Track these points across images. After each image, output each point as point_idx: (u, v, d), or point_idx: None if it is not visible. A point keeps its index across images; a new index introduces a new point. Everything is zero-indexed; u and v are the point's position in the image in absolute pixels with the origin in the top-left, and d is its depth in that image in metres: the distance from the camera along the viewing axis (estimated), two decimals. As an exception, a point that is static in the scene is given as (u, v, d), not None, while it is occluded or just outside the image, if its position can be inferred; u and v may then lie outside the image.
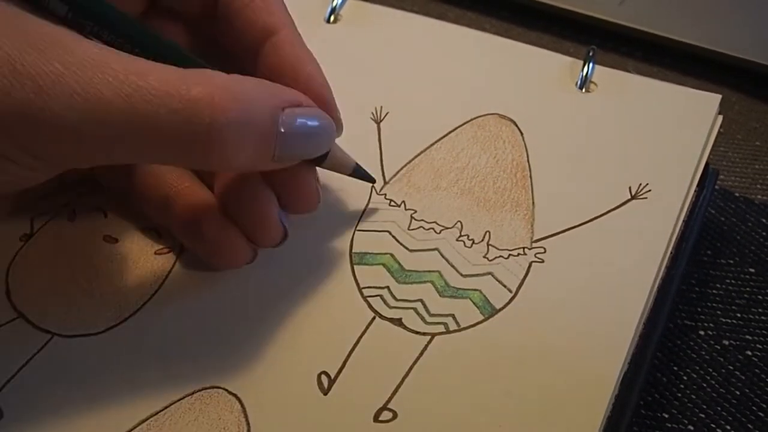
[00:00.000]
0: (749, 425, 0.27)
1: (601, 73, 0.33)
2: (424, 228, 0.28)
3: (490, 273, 0.27)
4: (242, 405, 0.24)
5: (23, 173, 0.21)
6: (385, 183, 0.29)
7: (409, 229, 0.28)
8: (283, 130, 0.22)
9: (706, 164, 0.30)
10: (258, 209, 0.25)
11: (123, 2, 0.24)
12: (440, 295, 0.26)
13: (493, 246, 0.27)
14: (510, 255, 0.27)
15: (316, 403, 0.24)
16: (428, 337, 0.25)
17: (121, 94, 0.19)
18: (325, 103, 0.25)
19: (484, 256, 0.27)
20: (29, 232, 0.28)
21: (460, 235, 0.28)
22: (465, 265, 0.27)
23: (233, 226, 0.25)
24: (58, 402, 0.24)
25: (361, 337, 0.25)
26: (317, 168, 0.26)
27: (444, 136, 0.31)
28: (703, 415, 0.27)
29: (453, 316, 0.25)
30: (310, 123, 0.23)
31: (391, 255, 0.27)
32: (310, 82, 0.25)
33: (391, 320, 0.26)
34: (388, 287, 0.26)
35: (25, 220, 0.29)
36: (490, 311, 0.26)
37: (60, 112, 0.19)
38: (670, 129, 0.30)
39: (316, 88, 0.25)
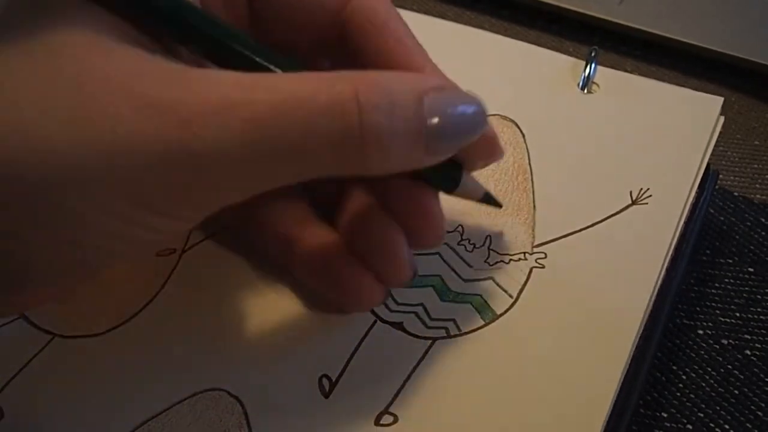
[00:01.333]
0: (748, 424, 0.27)
1: (603, 74, 0.33)
2: (424, 231, 0.28)
3: (491, 278, 0.27)
4: (243, 407, 0.24)
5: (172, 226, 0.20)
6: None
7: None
8: (431, 117, 0.20)
9: (707, 165, 0.30)
10: (388, 247, 0.24)
11: None
12: (441, 300, 0.26)
13: (494, 250, 0.27)
14: (511, 260, 0.27)
15: (318, 407, 0.24)
16: (429, 342, 0.25)
17: (268, 108, 0.18)
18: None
19: (486, 261, 0.27)
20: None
21: (461, 240, 0.28)
22: (466, 269, 0.27)
23: (362, 267, 0.24)
24: (59, 402, 0.24)
25: (362, 340, 0.25)
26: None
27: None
28: (701, 414, 0.27)
29: (454, 320, 0.26)
30: (456, 105, 0.21)
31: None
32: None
33: (392, 324, 0.26)
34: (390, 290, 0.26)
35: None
36: (491, 316, 0.26)
37: (215, 143, 0.18)
38: (673, 131, 0.30)
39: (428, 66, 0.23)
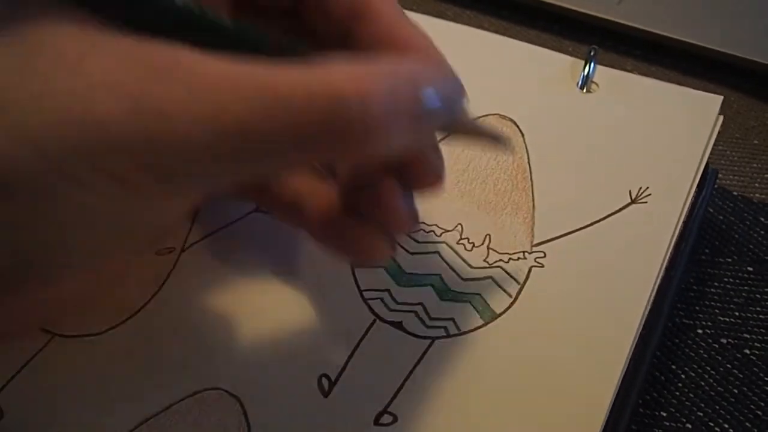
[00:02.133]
0: (747, 423, 0.27)
1: (602, 73, 0.33)
2: (424, 231, 0.28)
3: (490, 277, 0.27)
4: (242, 406, 0.24)
5: (158, 205, 0.19)
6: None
7: (410, 233, 0.28)
8: (428, 100, 0.20)
9: (706, 164, 0.30)
10: (383, 198, 0.23)
11: None
12: (441, 299, 0.26)
13: (494, 249, 0.27)
14: (510, 259, 0.27)
15: (317, 406, 0.24)
16: (428, 341, 0.25)
17: (260, 109, 0.17)
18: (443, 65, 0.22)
19: (485, 260, 0.27)
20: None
21: (461, 238, 0.28)
22: (465, 268, 0.27)
23: (364, 220, 0.24)
24: (58, 402, 0.24)
25: (361, 340, 0.25)
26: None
27: (443, 138, 0.31)
28: (701, 414, 0.27)
29: (453, 320, 0.26)
30: (447, 85, 0.21)
31: (392, 258, 0.27)
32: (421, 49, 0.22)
33: (391, 323, 0.26)
34: (388, 290, 0.26)
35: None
36: (490, 316, 0.26)
37: (192, 135, 0.17)
38: (672, 130, 0.30)
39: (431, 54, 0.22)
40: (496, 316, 0.26)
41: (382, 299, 0.26)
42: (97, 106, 0.17)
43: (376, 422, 0.23)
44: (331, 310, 0.26)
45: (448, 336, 0.25)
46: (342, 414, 0.24)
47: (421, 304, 0.26)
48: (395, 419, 0.23)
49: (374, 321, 0.26)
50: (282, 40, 0.20)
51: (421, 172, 0.24)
